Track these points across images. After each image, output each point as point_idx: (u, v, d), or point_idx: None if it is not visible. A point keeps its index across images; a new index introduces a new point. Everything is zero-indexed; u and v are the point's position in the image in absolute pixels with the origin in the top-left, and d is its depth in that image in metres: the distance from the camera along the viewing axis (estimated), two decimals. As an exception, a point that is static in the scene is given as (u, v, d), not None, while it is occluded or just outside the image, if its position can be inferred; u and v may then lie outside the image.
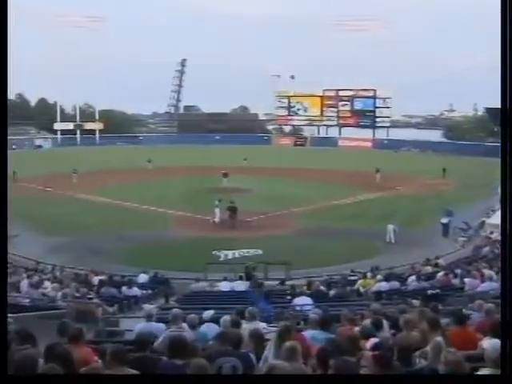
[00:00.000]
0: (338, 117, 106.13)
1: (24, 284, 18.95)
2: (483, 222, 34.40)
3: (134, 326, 11.70)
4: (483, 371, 5.84)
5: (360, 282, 21.06)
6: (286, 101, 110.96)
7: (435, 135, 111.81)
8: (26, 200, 45.27)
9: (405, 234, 32.50)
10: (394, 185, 51.14)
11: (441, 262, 24.74)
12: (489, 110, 71.60)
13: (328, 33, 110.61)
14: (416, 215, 39.04)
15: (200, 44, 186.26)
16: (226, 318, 9.24)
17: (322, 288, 19.69)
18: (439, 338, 6.93)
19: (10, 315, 13.28)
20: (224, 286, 21.45)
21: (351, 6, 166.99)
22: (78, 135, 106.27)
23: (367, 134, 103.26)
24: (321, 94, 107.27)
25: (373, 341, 7.99)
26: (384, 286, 19.75)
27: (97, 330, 13.48)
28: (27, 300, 16.83)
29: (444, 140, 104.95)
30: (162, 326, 10.37)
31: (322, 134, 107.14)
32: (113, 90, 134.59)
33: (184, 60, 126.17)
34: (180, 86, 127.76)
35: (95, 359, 7.25)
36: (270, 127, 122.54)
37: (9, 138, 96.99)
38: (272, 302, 16.66)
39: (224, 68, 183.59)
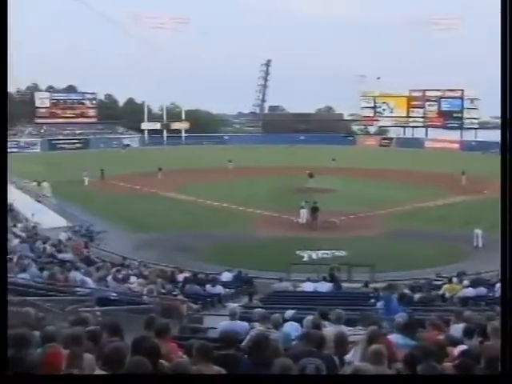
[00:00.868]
0: (425, 118, 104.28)
1: (111, 278, 19.41)
2: None
3: (217, 323, 11.80)
4: None
5: (446, 286, 20.55)
6: (371, 101, 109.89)
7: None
8: (114, 197, 46.53)
9: (492, 238, 31.52)
10: (480, 188, 49.74)
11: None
12: None
13: (415, 32, 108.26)
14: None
15: (285, 43, 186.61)
16: (309, 319, 9.19)
17: (407, 291, 19.33)
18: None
19: (97, 308, 13.71)
20: (307, 287, 21.38)
21: (439, 5, 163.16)
22: (165, 135, 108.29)
23: (454, 135, 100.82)
24: (407, 95, 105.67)
25: (460, 348, 7.78)
26: (470, 291, 19.25)
27: (181, 326, 13.68)
28: (114, 294, 17.24)
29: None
30: (245, 324, 10.41)
31: (408, 135, 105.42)
32: (198, 90, 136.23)
33: (269, 60, 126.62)
34: (265, 86, 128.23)
35: (180, 354, 7.34)
36: (354, 128, 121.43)
37: (98, 137, 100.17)
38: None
39: (309, 68, 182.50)
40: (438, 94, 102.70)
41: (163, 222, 37.34)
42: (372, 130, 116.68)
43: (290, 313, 11.68)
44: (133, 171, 61.12)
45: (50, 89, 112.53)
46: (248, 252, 30.16)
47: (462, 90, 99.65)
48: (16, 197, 42.89)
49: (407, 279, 23.95)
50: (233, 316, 10.82)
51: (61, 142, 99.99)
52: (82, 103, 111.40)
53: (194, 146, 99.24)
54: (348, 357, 7.23)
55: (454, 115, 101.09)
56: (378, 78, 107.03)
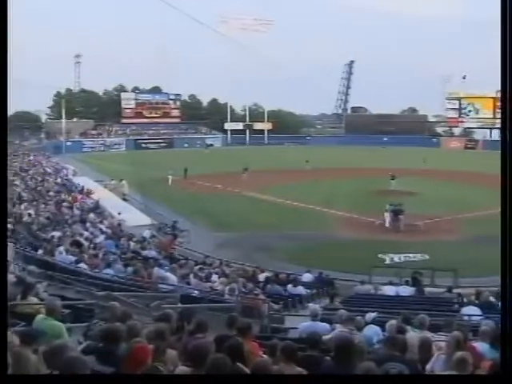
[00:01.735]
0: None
1: (192, 277, 19.69)
2: None
3: (298, 324, 11.79)
4: None
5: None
6: (456, 102, 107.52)
7: None
8: (197, 196, 47.19)
9: None
10: None
11: None
12: None
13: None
14: None
15: (368, 44, 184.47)
16: (393, 323, 9.07)
17: (492, 299, 18.78)
18: None
19: (180, 305, 13.92)
20: (389, 290, 21.09)
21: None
22: (247, 135, 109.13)
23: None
24: (494, 96, 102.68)
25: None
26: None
27: (262, 325, 13.74)
28: (196, 292, 17.48)
29: None
30: (327, 326, 10.36)
31: (495, 137, 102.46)
32: (281, 90, 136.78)
33: (352, 61, 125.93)
34: (348, 87, 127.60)
35: (260, 354, 7.37)
36: (439, 129, 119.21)
37: (182, 136, 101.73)
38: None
39: (393, 68, 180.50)
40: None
41: (244, 222, 37.61)
42: (457, 131, 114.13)
43: (371, 316, 11.57)
44: (216, 171, 61.84)
45: (136, 90, 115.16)
46: (329, 253, 30.01)
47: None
48: (102, 195, 44.14)
49: (492, 286, 23.31)
50: (314, 317, 10.78)
51: (145, 141, 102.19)
52: (167, 104, 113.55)
53: (276, 146, 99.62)
54: (430, 363, 7.10)
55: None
56: (464, 78, 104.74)
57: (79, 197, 40.09)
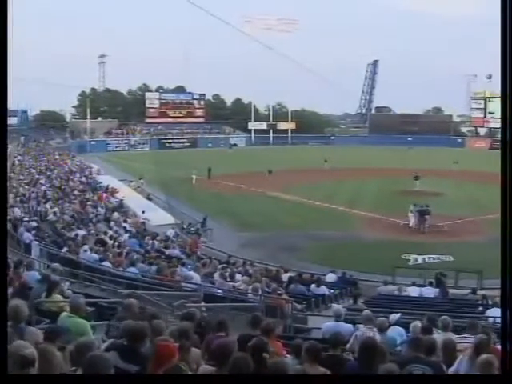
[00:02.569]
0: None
1: (217, 276, 19.71)
2: None
3: (321, 324, 11.75)
4: None
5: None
6: (481, 102, 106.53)
7: None
8: (220, 196, 47.30)
9: None
10: None
11: None
12: None
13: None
14: None
15: (392, 43, 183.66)
16: (417, 324, 9.01)
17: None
18: None
19: (203, 304, 13.95)
20: (412, 291, 20.96)
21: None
22: (271, 135, 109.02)
23: None
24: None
25: None
26: None
27: (285, 325, 13.72)
28: (219, 291, 17.51)
29: None
30: (350, 326, 10.32)
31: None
32: (305, 90, 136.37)
33: (376, 61, 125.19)
34: (372, 86, 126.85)
35: (284, 354, 7.36)
36: (464, 129, 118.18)
37: (205, 136, 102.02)
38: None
39: (417, 68, 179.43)
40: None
41: (268, 222, 37.64)
42: (482, 131, 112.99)
43: (394, 317, 11.50)
44: (239, 170, 61.90)
45: (160, 89, 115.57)
46: (352, 254, 29.93)
47: None
48: (126, 194, 44.37)
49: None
50: (338, 317, 10.72)
51: (169, 141, 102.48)
52: (191, 103, 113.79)
53: (300, 146, 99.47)
54: (455, 365, 7.03)
55: None
56: (489, 77, 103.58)
57: (104, 195, 40.38)
